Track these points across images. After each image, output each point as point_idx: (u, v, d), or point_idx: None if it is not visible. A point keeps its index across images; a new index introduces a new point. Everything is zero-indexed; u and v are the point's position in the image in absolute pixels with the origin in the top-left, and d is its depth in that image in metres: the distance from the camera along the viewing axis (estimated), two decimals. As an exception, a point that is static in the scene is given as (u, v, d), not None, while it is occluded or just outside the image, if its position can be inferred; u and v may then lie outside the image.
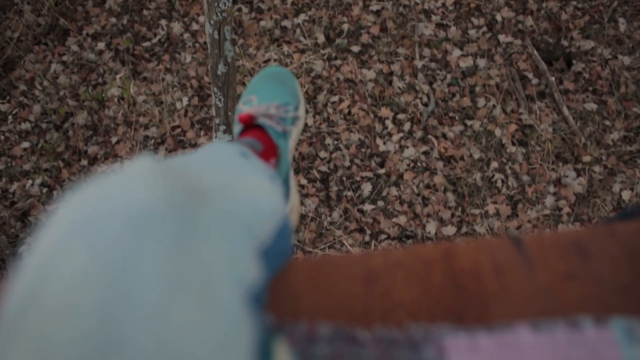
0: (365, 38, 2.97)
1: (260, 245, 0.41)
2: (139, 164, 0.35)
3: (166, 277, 0.28)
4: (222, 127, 1.55)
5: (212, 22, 1.47)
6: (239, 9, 3.05)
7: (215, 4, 1.44)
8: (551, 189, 2.53)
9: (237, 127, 0.84)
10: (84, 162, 2.68)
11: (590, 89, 2.80)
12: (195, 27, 3.05)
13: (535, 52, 2.90)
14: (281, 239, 0.47)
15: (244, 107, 0.84)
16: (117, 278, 0.27)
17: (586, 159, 2.58)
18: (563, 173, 2.56)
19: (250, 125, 0.81)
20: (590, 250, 0.44)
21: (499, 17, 3.04)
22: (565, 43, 2.93)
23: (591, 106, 2.73)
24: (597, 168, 2.56)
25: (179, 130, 2.77)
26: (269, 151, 0.77)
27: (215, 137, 1.57)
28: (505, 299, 0.42)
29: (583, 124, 2.68)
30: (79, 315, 0.26)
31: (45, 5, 3.03)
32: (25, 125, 2.78)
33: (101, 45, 3.03)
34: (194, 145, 2.73)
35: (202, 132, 2.76)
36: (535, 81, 2.83)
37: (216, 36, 1.47)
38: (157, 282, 0.28)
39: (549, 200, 2.50)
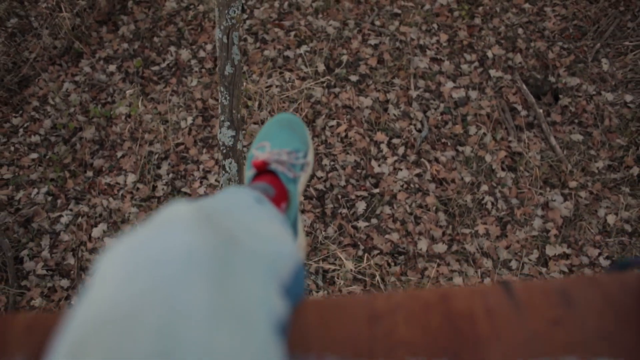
0: (363, 68, 3.14)
1: (282, 284, 0.47)
2: (179, 210, 0.42)
3: (211, 307, 0.34)
4: (227, 124, 1.66)
5: (222, 27, 1.60)
6: (245, 39, 3.24)
7: (226, 11, 1.58)
8: (539, 211, 2.62)
9: (249, 172, 0.89)
10: (89, 173, 2.78)
11: (576, 121, 2.95)
12: (202, 54, 3.22)
13: (524, 86, 3.06)
14: (297, 279, 0.54)
15: (257, 153, 0.88)
16: (174, 305, 0.33)
17: (572, 184, 2.68)
18: (550, 197, 2.66)
19: (263, 170, 0.86)
20: (575, 298, 0.47)
21: (489, 54, 3.22)
22: (552, 79, 3.10)
23: (577, 137, 2.86)
24: (583, 193, 2.66)
25: (182, 147, 2.88)
26: (280, 196, 0.82)
27: (220, 132, 1.68)
28: (497, 341, 0.45)
29: (569, 153, 2.81)
30: (144, 332, 0.32)
31: (63, 29, 3.22)
32: (35, 138, 2.90)
33: (112, 67, 3.19)
34: (196, 162, 2.83)
35: (205, 150, 2.87)
36: (524, 113, 2.98)
37: (225, 40, 1.60)
38: (204, 311, 0.34)
39: (537, 223, 2.58)
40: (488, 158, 2.80)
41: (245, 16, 3.30)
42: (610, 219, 2.57)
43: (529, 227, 2.57)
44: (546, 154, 2.81)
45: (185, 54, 3.22)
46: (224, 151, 1.74)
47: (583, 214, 2.60)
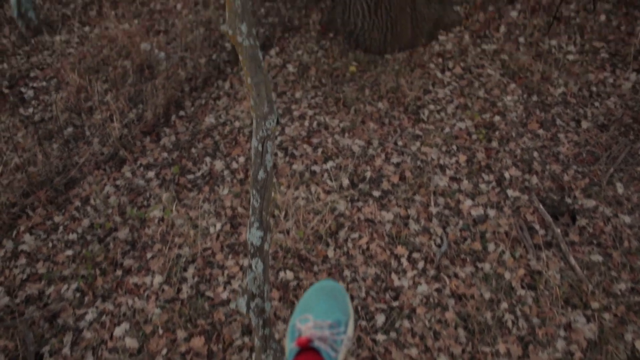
0: (385, 185, 3.31)
1: None
2: None
3: None
4: (256, 224, 1.78)
5: (258, 137, 1.79)
6: (275, 153, 3.49)
7: (263, 122, 1.79)
8: (562, 332, 2.58)
9: (292, 345, 0.91)
10: (119, 272, 2.89)
11: (595, 242, 2.99)
12: (235, 165, 3.46)
13: (541, 206, 3.16)
14: None
15: (300, 325, 0.92)
16: None
17: (595, 305, 2.67)
18: (573, 318, 2.63)
19: (306, 347, 0.89)
20: None
21: (507, 175, 3.37)
22: (569, 200, 3.20)
23: (597, 258, 2.89)
24: (606, 315, 2.63)
25: (209, 251, 3.00)
26: None
27: (249, 232, 1.80)
28: None
29: (590, 273, 2.82)
30: None
31: (111, 138, 3.53)
32: (73, 236, 3.07)
33: (151, 173, 3.43)
34: (222, 267, 2.93)
35: (230, 256, 2.98)
36: (542, 232, 3.05)
37: (260, 149, 1.79)
38: None
39: (560, 344, 2.54)
40: (507, 275, 2.83)
41: (277, 132, 3.58)
42: (638, 344, 2.52)
43: (552, 349, 2.52)
44: (566, 274, 2.83)
45: (219, 164, 3.46)
46: (252, 250, 1.85)
47: (609, 338, 2.55)
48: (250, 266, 1.89)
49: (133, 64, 4.14)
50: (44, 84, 4.16)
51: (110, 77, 4.05)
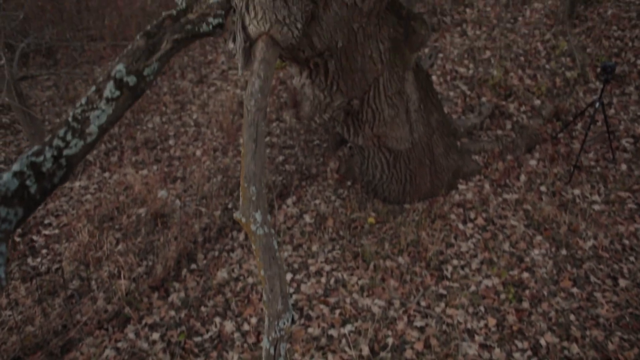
0: (409, 354, 3.00)
1: None
2: None
3: None
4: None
5: (270, 338, 1.59)
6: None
7: (276, 322, 1.59)
8: None
9: None
10: None
11: None
12: (246, 327, 3.21)
13: (587, 384, 2.80)
14: None
15: None
16: None
17: None
18: None
19: None
20: None
21: (542, 342, 3.05)
22: (617, 377, 2.84)
23: None
24: None
25: None
26: None
27: None
28: None
29: None
30: None
31: (117, 294, 3.35)
32: (62, 413, 2.76)
33: (156, 335, 3.19)
34: None
35: None
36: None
37: (272, 352, 1.57)
38: None
39: None
40: None
41: (291, 290, 3.37)
42: None
43: None
44: None
45: (229, 326, 3.22)
46: None
47: None
48: None
49: (148, 213, 4.09)
50: (57, 231, 4.10)
51: (124, 226, 3.98)
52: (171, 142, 5.28)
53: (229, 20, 1.71)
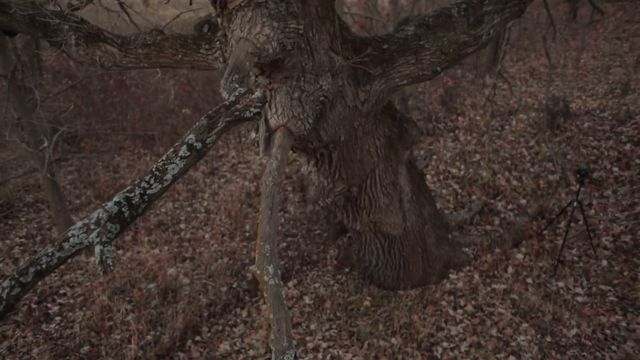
0: None
1: None
2: None
3: None
4: None
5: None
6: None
7: (281, 357, 1.87)
8: None
9: None
10: None
11: None
12: (245, 396, 3.37)
13: None
14: None
15: None
16: None
17: None
18: None
19: None
20: None
21: (528, 423, 3.20)
22: None
23: None
24: None
25: None
26: None
27: None
28: None
29: None
30: None
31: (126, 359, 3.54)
32: None
33: (159, 402, 3.34)
34: None
35: None
36: None
37: (275, 387, 1.84)
38: None
39: None
40: None
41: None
42: None
43: None
44: None
45: (229, 395, 3.38)
46: None
47: None
48: None
49: (158, 287, 4.36)
50: (71, 301, 4.34)
51: (135, 299, 4.24)
52: (182, 225, 5.66)
53: (264, 110, 2.20)
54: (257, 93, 1.98)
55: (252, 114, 1.88)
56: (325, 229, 5.43)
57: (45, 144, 4.14)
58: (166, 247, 5.19)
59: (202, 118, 1.87)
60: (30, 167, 5.86)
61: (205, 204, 6.14)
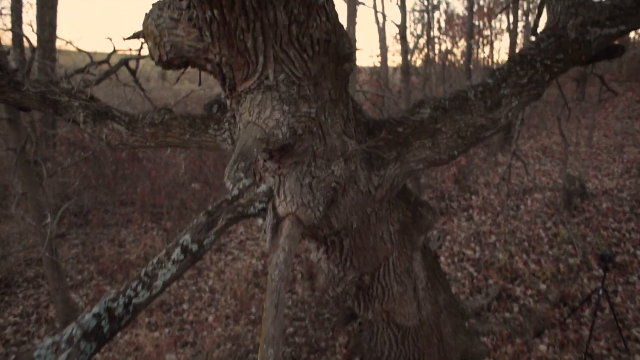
0: None
1: None
2: None
3: None
4: None
5: None
6: None
7: None
8: None
9: None
10: None
11: None
12: None
13: None
14: None
15: None
16: None
17: None
18: None
19: None
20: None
21: None
22: None
23: None
24: None
25: None
26: None
27: None
28: None
29: None
30: None
31: None
32: None
33: None
34: None
35: None
36: None
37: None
38: None
39: None
40: None
41: None
42: None
43: None
44: None
45: None
46: None
47: None
48: None
49: (154, 377, 4.07)
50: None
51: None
52: (185, 306, 5.41)
53: (271, 204, 2.06)
54: (263, 187, 1.85)
55: (256, 210, 1.74)
56: (334, 312, 5.15)
57: (49, 220, 4.02)
58: (167, 330, 4.92)
59: (201, 214, 1.72)
60: (33, 242, 5.74)
61: (210, 282, 5.91)
